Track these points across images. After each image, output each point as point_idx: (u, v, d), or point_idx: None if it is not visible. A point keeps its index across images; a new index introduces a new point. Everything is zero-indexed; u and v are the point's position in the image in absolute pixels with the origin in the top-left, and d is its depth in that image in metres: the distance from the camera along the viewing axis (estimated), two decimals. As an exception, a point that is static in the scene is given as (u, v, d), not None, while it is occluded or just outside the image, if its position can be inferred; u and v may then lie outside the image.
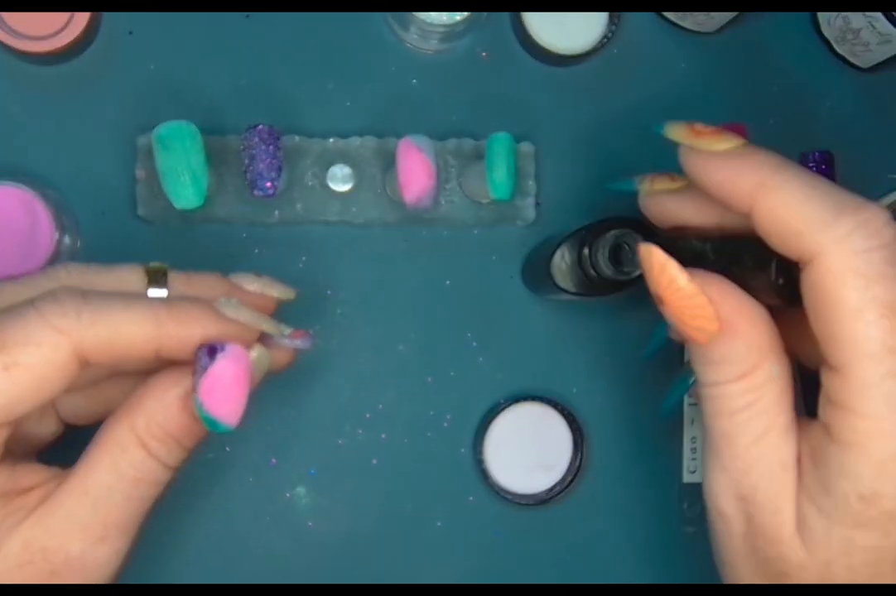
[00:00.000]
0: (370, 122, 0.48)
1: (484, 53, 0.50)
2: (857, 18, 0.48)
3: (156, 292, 0.36)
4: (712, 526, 0.36)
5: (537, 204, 0.49)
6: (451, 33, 0.47)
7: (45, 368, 0.32)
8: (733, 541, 0.34)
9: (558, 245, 0.44)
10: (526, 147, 0.48)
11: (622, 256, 0.42)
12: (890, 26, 0.46)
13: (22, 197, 0.44)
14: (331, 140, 0.47)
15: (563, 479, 0.48)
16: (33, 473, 0.35)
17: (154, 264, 0.37)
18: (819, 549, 0.31)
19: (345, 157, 0.47)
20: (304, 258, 0.48)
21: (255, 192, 0.44)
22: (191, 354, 0.34)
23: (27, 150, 0.47)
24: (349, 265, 0.48)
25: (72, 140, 0.47)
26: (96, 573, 0.34)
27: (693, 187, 0.37)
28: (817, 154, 0.51)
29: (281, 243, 0.48)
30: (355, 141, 0.47)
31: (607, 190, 0.43)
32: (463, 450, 0.48)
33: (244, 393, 0.33)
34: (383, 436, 0.48)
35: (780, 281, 0.33)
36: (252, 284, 0.39)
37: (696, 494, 0.46)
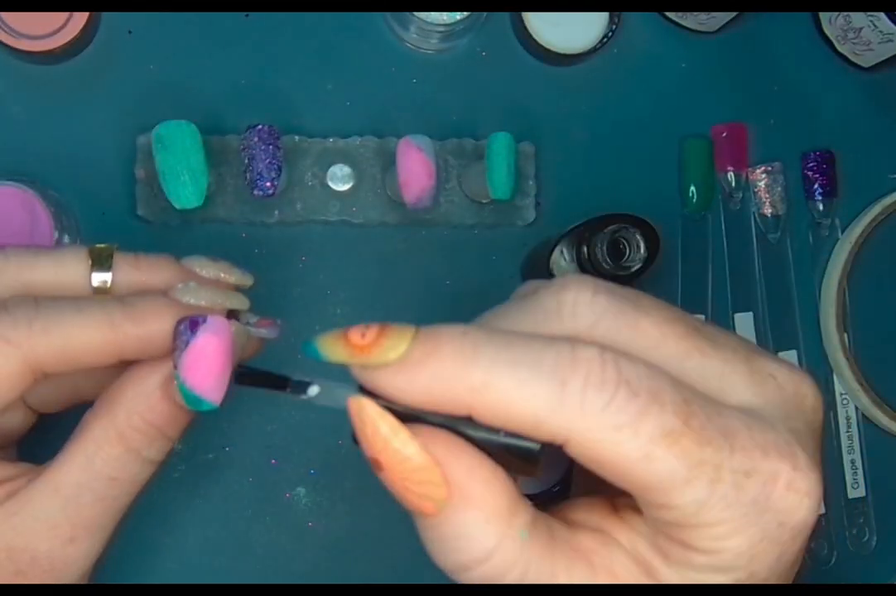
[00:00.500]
0: (370, 122, 0.48)
1: (484, 53, 0.50)
2: (858, 17, 0.48)
3: (99, 276, 0.34)
4: None
5: (537, 204, 0.49)
6: (450, 33, 0.47)
7: None
8: None
9: (557, 243, 0.44)
10: (526, 147, 0.48)
11: (620, 251, 0.42)
12: (891, 25, 0.46)
13: (22, 197, 0.44)
14: (331, 140, 0.47)
15: (564, 478, 0.48)
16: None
17: (99, 246, 0.35)
18: None
19: (345, 157, 0.47)
20: (304, 258, 0.48)
21: (255, 192, 0.43)
22: (156, 351, 0.32)
23: (27, 151, 0.46)
24: (349, 265, 0.48)
25: (72, 140, 0.47)
26: (65, 573, 0.32)
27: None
28: (818, 154, 0.51)
29: (281, 243, 0.48)
30: (355, 141, 0.47)
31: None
32: (463, 450, 0.48)
33: (227, 366, 0.31)
34: (383, 436, 0.48)
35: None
36: (206, 269, 0.35)
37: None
